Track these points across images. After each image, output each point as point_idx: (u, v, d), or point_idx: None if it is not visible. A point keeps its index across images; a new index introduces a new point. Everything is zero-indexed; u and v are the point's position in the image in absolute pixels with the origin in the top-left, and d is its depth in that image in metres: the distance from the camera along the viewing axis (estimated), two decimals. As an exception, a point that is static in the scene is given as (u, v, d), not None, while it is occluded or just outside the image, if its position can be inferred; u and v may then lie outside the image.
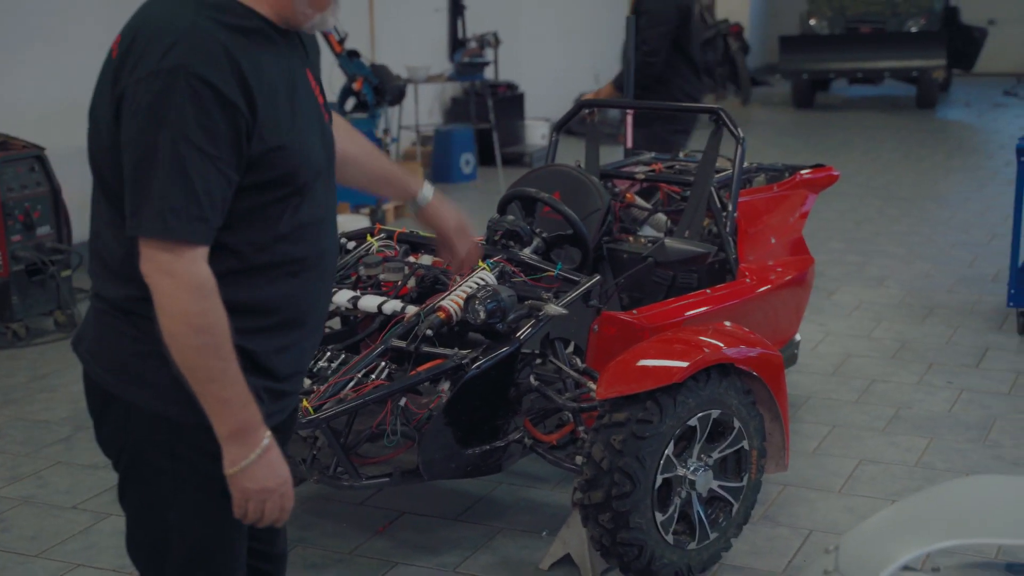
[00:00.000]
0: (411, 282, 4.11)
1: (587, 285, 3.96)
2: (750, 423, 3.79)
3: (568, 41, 14.96)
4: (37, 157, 6.47)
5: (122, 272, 2.29)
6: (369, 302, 3.94)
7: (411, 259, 4.25)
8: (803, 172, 5.24)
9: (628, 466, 3.51)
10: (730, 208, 4.75)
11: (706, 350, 3.64)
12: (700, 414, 3.64)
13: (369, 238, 4.33)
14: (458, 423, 3.70)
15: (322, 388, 3.65)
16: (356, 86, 9.12)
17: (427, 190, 2.94)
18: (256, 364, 2.34)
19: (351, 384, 3.66)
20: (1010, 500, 2.27)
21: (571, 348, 4.08)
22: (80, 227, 7.16)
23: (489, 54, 11.42)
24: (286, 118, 2.27)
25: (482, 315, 3.68)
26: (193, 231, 2.17)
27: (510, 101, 12.17)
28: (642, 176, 5.08)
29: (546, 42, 14.39)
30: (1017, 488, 2.32)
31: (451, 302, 3.78)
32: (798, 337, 5.20)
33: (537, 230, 4.35)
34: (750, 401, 3.78)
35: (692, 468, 3.68)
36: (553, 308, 3.79)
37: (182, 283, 2.18)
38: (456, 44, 11.77)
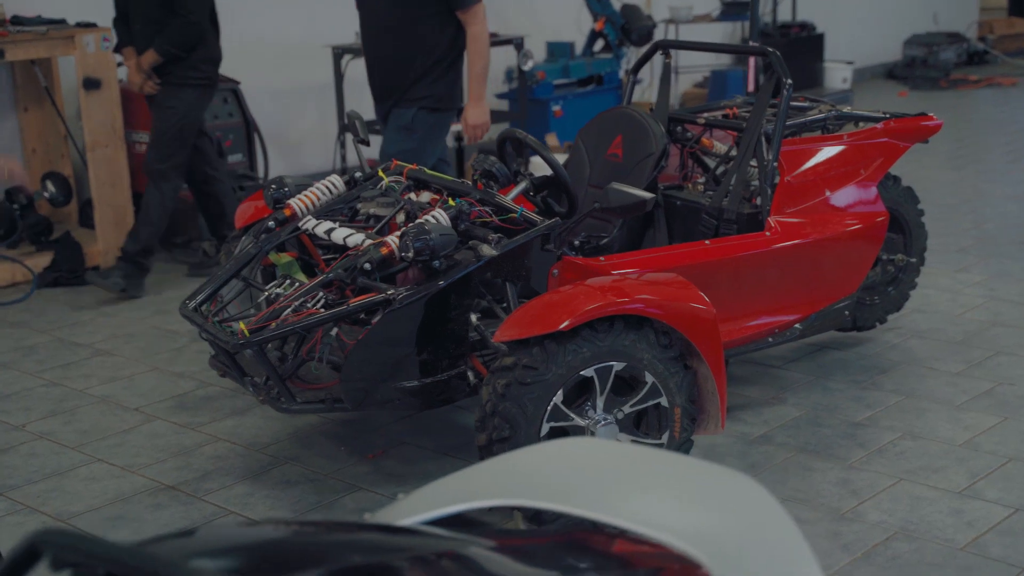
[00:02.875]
0: (400, 217, 4.23)
1: (537, 230, 3.92)
2: (670, 379, 3.66)
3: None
4: (232, 91, 7.02)
5: None
6: (339, 234, 4.10)
7: (411, 196, 4.36)
8: (892, 121, 4.86)
9: (507, 411, 3.50)
10: (768, 157, 4.51)
11: (613, 299, 3.54)
12: (597, 365, 3.56)
13: (380, 173, 4.48)
14: (380, 355, 3.81)
15: (260, 313, 3.87)
16: (598, 26, 9.16)
17: None
18: None
19: (288, 311, 3.85)
20: (587, 465, 2.16)
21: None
22: (275, 160, 7.71)
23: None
24: None
25: (410, 252, 3.76)
26: None
27: (806, 42, 11.71)
28: (703, 121, 4.90)
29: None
30: (606, 453, 2.20)
31: (395, 238, 3.88)
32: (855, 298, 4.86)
33: (527, 172, 4.33)
34: (670, 356, 3.65)
35: (593, 420, 3.61)
36: (486, 250, 3.80)
37: None
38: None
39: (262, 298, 4.08)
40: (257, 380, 3.97)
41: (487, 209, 4.07)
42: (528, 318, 3.55)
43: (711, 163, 5.00)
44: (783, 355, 5.25)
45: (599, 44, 9.46)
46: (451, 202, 4.06)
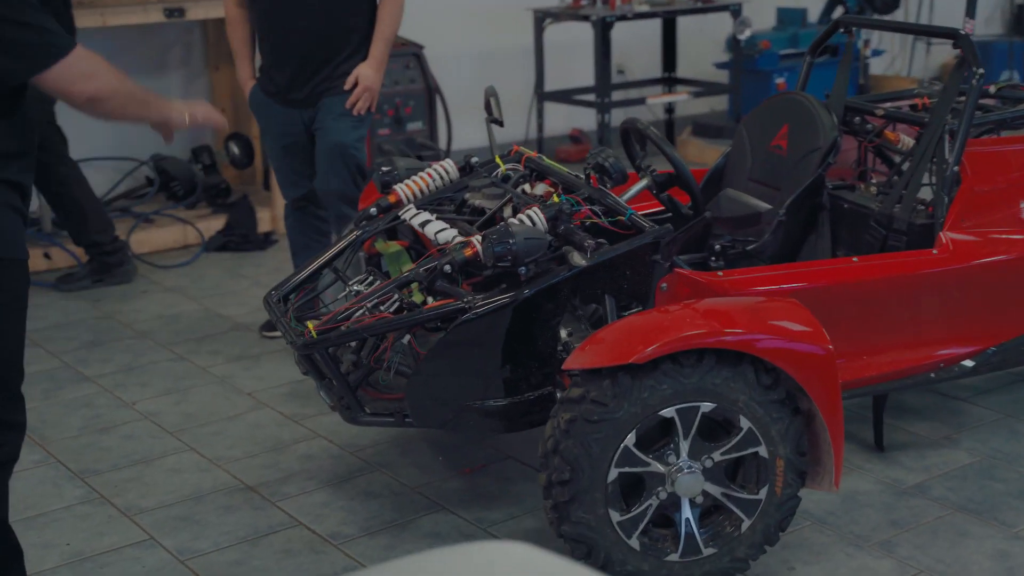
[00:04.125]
0: (507, 211, 3.79)
1: (640, 238, 3.40)
2: (772, 426, 3.09)
3: None
4: (414, 55, 6.71)
5: None
6: (432, 228, 3.70)
7: (525, 187, 3.91)
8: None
9: (569, 452, 3.02)
10: (950, 159, 3.83)
11: (698, 330, 3.01)
12: (680, 405, 3.03)
13: (497, 159, 4.04)
14: (451, 370, 3.39)
15: (333, 312, 3.52)
16: (838, -8, 8.39)
17: None
18: None
19: (360, 311, 3.48)
20: None
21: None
22: (460, 129, 7.35)
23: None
24: None
25: (490, 257, 3.32)
26: None
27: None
28: (881, 112, 4.23)
29: None
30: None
31: (479, 239, 3.44)
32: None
33: (648, 167, 3.79)
34: (773, 399, 3.08)
35: (674, 467, 3.08)
36: (577, 258, 3.32)
37: None
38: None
39: (343, 294, 3.73)
40: (332, 384, 3.62)
41: (595, 209, 3.58)
42: (603, 344, 3.06)
43: (897, 160, 4.32)
44: (973, 384, 4.53)
45: (838, 11, 8.67)
46: (555, 198, 3.60)
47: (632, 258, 3.41)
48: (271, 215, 6.59)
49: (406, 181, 4.02)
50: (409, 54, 6.69)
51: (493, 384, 3.43)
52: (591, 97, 7.34)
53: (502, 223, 3.37)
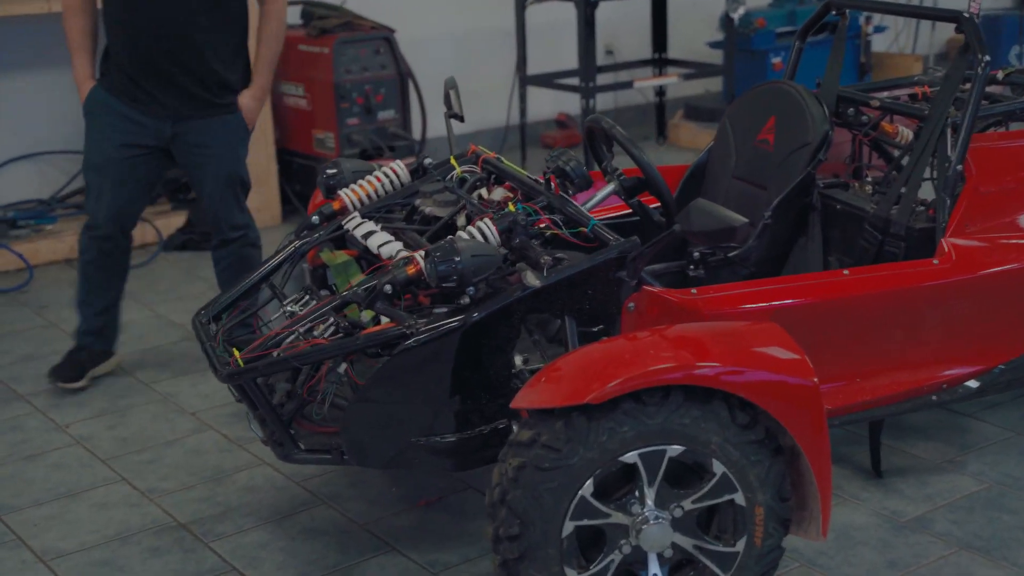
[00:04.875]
0: (461, 220, 3.41)
1: (602, 254, 3.01)
2: (749, 469, 2.71)
3: None
4: (385, 39, 6.31)
5: None
6: (375, 240, 3.33)
7: (482, 192, 3.54)
8: None
9: (518, 503, 2.65)
10: (952, 157, 3.44)
11: (663, 363, 2.63)
12: (643, 449, 2.66)
13: (453, 161, 3.65)
14: (392, 402, 3.02)
15: (262, 338, 3.14)
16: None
17: None
18: None
19: (290, 338, 3.11)
20: None
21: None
22: (436, 117, 6.94)
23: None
24: None
25: (433, 277, 2.94)
26: None
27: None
28: (876, 103, 3.83)
29: None
30: None
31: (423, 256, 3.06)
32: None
33: (615, 171, 3.40)
34: (750, 439, 2.70)
35: (642, 518, 2.71)
36: (530, 278, 2.94)
37: None
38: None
39: (276, 315, 3.36)
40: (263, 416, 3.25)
41: (556, 219, 3.20)
42: (555, 381, 2.68)
43: (896, 155, 3.93)
44: (980, 399, 4.14)
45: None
46: (511, 207, 3.22)
47: (594, 275, 3.03)
48: (233, 211, 6.21)
49: (351, 186, 3.64)
50: (379, 38, 6.29)
51: (440, 418, 3.05)
52: (576, 81, 6.93)
53: (447, 239, 2.99)
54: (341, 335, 3.07)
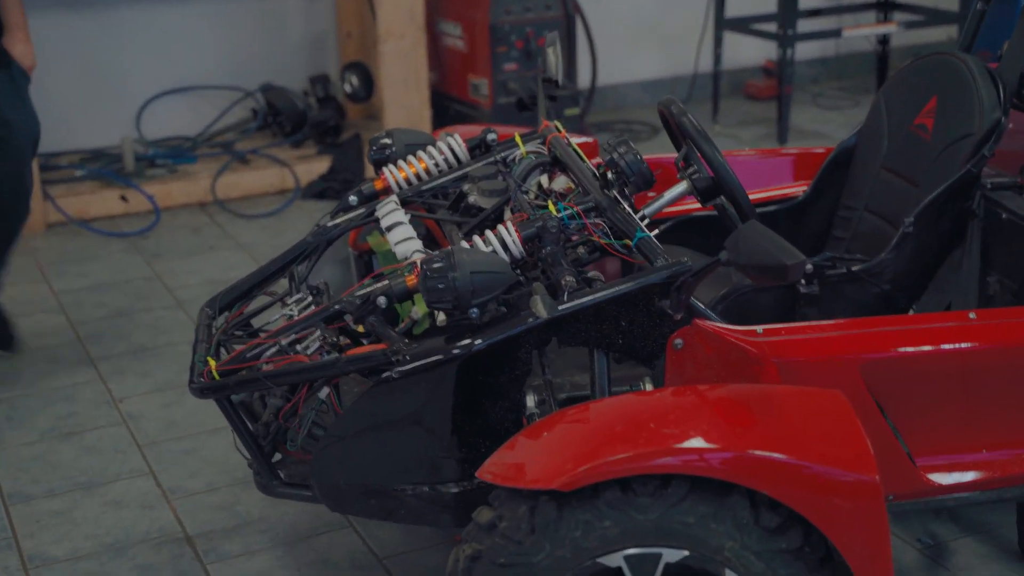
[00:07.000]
0: (507, 213, 2.82)
1: (641, 280, 2.36)
2: (775, 587, 2.05)
3: None
4: (552, -24, 5.68)
5: None
6: (397, 234, 2.77)
7: (542, 180, 2.93)
8: None
9: (467, 606, 2.08)
10: None
11: (656, 446, 1.98)
12: (630, 551, 2.03)
13: (517, 139, 3.04)
14: (371, 443, 2.48)
15: (241, 347, 2.66)
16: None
17: None
18: None
19: (271, 351, 2.61)
20: None
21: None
22: (610, 62, 6.29)
23: None
24: None
25: (426, 295, 2.38)
26: None
27: None
28: (1065, 84, 2.99)
29: None
30: None
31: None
32: None
33: (691, 166, 2.70)
34: (781, 548, 2.03)
35: (629, 635, 2.09)
36: (539, 307, 2.33)
37: None
38: None
39: (275, 317, 2.86)
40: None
41: (602, 223, 2.57)
42: (525, 451, 2.08)
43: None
44: None
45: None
46: (550, 206, 2.61)
47: (630, 304, 2.39)
48: (380, 158, 5.75)
49: (399, 162, 3.09)
50: (546, -26, 5.67)
51: (433, 465, 2.50)
52: (774, 27, 6.12)
53: (446, 249, 2.41)
54: (329, 352, 2.56)
